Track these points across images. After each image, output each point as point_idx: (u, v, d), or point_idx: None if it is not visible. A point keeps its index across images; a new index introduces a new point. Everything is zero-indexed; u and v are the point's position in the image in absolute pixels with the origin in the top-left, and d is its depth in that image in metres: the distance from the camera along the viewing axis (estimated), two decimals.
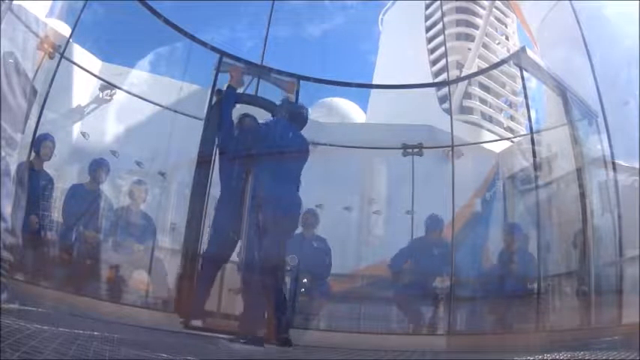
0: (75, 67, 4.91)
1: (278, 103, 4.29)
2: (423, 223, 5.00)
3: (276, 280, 3.46)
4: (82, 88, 5.34)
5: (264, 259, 3.41)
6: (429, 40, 13.08)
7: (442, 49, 11.92)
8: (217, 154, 4.07)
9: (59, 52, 4.30)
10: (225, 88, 4.20)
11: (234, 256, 3.80)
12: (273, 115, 4.15)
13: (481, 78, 10.85)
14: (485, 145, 7.40)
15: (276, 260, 3.48)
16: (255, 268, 3.42)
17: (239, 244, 3.64)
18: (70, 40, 4.46)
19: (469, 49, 11.75)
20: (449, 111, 7.18)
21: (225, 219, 3.69)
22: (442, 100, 9.41)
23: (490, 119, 11.45)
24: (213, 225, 3.78)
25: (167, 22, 4.70)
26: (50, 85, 4.15)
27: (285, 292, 3.65)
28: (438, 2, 12.19)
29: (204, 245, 3.79)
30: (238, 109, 4.20)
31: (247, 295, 3.48)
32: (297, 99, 4.67)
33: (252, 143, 3.86)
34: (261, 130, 3.92)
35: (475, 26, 12.33)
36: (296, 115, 3.87)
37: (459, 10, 12.41)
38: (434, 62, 12.35)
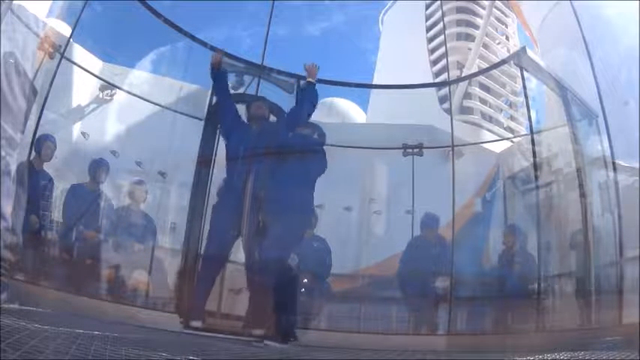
0: (75, 67, 4.91)
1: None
2: (419, 222, 4.99)
3: (287, 280, 3.48)
4: (82, 88, 5.33)
5: (272, 260, 3.40)
6: (430, 40, 13.10)
7: (442, 49, 11.95)
8: (221, 148, 4.05)
9: (59, 52, 4.30)
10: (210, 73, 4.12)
11: (236, 256, 3.79)
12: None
13: (481, 78, 10.86)
14: (485, 145, 7.41)
15: (286, 261, 3.49)
16: (264, 268, 3.41)
17: (243, 244, 3.63)
18: (70, 40, 4.46)
19: (469, 49, 11.77)
20: (449, 111, 7.18)
21: (227, 218, 3.64)
22: (442, 100, 9.40)
23: (490, 119, 11.46)
24: (214, 224, 3.74)
25: (167, 22, 4.70)
26: (50, 85, 4.15)
27: (291, 291, 3.65)
28: (439, 2, 12.20)
29: (204, 245, 3.77)
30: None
31: (257, 295, 3.47)
32: (297, 99, 4.67)
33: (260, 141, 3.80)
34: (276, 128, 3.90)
35: (475, 26, 12.34)
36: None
37: (459, 10, 12.42)
38: (434, 62, 12.37)
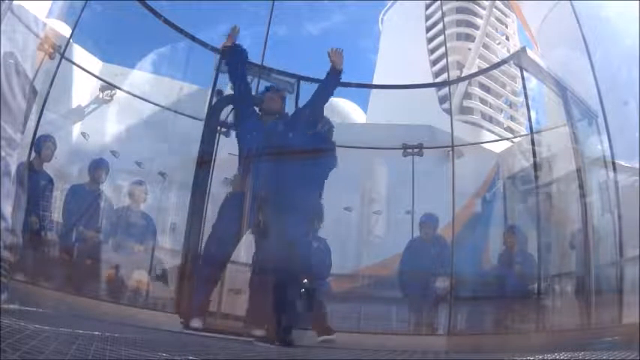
0: (75, 67, 4.91)
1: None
2: (419, 222, 4.99)
3: (289, 280, 3.45)
4: (82, 88, 5.34)
5: (280, 261, 3.39)
6: (430, 40, 13.08)
7: (442, 49, 11.91)
8: (221, 148, 4.01)
9: (59, 52, 4.30)
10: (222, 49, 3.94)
11: (236, 256, 3.78)
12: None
13: (481, 78, 10.85)
14: (485, 145, 7.41)
15: (290, 261, 3.45)
16: (272, 269, 3.40)
17: (244, 244, 3.61)
18: (70, 40, 4.47)
19: (469, 49, 11.75)
20: (449, 111, 7.18)
21: (235, 218, 3.56)
22: (442, 100, 9.40)
23: (490, 119, 11.46)
24: (221, 224, 3.64)
25: (167, 22, 4.70)
26: (50, 85, 4.16)
27: (293, 291, 3.62)
28: (439, 2, 12.16)
29: (207, 245, 3.70)
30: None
31: (258, 295, 3.46)
32: (297, 99, 4.66)
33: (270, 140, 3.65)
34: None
35: (475, 26, 12.33)
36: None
37: (459, 10, 12.40)
38: (434, 62, 12.35)
